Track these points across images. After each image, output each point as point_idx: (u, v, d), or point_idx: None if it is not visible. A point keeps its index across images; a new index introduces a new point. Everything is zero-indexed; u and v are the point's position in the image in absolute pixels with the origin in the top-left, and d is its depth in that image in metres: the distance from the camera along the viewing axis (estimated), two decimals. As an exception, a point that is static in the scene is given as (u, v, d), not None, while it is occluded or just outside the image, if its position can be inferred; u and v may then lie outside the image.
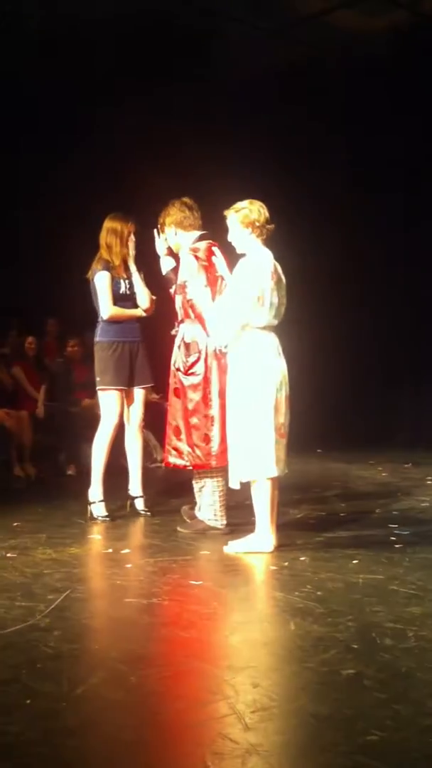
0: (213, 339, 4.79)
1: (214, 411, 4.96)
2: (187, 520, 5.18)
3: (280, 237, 4.74)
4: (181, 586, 3.87)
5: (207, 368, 5.01)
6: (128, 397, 5.65)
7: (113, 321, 5.57)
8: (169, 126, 8.98)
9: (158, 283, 5.53)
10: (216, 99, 9.01)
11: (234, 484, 4.61)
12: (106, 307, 5.54)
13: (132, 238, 5.62)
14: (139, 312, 5.65)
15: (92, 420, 7.29)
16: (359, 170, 9.79)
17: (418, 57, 8.68)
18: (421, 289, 9.60)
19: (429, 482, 7.02)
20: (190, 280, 5.01)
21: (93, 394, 7.98)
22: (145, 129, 8.94)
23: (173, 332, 5.22)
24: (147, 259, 5.61)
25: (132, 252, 5.62)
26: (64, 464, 7.84)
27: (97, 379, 5.60)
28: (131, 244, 5.62)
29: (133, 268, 5.64)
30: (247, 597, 3.76)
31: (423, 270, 9.58)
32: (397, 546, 4.58)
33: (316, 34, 8.49)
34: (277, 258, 4.63)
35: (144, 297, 5.64)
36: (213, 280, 4.99)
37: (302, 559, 4.30)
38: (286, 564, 4.19)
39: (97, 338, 5.64)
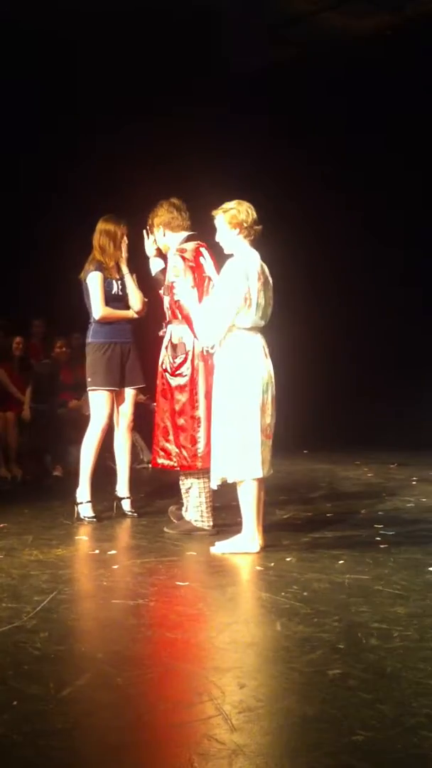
0: (200, 340, 4.79)
1: (201, 412, 4.97)
2: (174, 521, 5.19)
3: (266, 238, 4.75)
4: (168, 587, 3.88)
5: (194, 369, 5.01)
6: (119, 398, 5.65)
7: (105, 322, 5.58)
8: (162, 128, 8.99)
9: (149, 285, 5.54)
10: (210, 100, 9.02)
11: (214, 485, 4.62)
12: (98, 308, 5.54)
13: (125, 240, 5.63)
14: (130, 314, 5.66)
15: (79, 421, 7.30)
16: (342, 171, 9.81)
17: (406, 59, 8.70)
18: (406, 291, 9.63)
19: (414, 482, 7.05)
20: (177, 280, 5.02)
21: (79, 396, 8.01)
22: (139, 130, 8.94)
23: (161, 333, 5.23)
24: (138, 261, 5.62)
25: (125, 254, 5.64)
26: (50, 466, 7.83)
27: (88, 379, 5.61)
28: (124, 246, 5.63)
29: (125, 269, 5.65)
30: (234, 598, 3.77)
31: (408, 272, 9.61)
32: (382, 546, 4.61)
33: (306, 35, 8.51)
34: (264, 259, 4.64)
35: (136, 299, 5.65)
36: (200, 281, 4.99)
37: (288, 559, 4.31)
38: (273, 564, 4.20)
39: (88, 339, 5.64)
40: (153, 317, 5.54)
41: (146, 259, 5.44)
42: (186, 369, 5.02)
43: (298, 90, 9.21)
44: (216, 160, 8.99)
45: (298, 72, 9.02)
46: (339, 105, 9.41)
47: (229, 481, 4.55)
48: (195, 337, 4.87)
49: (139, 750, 2.25)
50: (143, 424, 6.47)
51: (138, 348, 5.72)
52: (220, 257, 4.83)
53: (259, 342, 4.58)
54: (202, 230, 5.07)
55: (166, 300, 5.16)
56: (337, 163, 9.75)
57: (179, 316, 5.03)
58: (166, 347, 5.15)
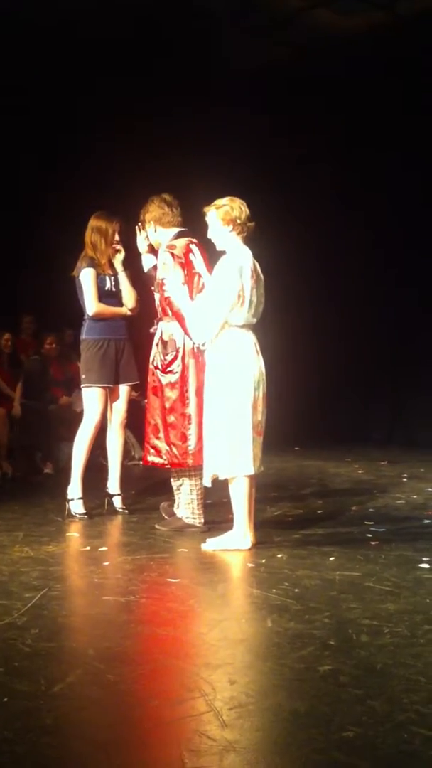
0: (192, 337, 4.78)
1: (191, 409, 4.97)
2: (166, 517, 5.18)
3: (263, 236, 4.75)
4: (159, 583, 3.87)
5: (184, 366, 5.01)
6: (113, 395, 5.65)
7: (99, 318, 5.57)
8: (156, 126, 8.98)
9: (141, 281, 5.53)
10: (205, 100, 9.00)
11: (207, 482, 4.63)
12: (92, 304, 5.53)
13: (117, 237, 5.62)
14: (124, 311, 5.65)
15: (69, 418, 7.29)
16: (341, 171, 9.80)
17: (406, 59, 8.67)
18: (403, 290, 9.63)
19: (404, 480, 7.07)
20: (167, 277, 5.01)
21: (70, 392, 7.99)
22: (139, 130, 8.94)
23: (152, 330, 5.22)
24: (131, 257, 5.61)
25: (122, 254, 5.62)
26: (40, 463, 7.81)
27: (83, 376, 5.60)
28: (119, 245, 5.62)
29: (119, 267, 5.64)
30: (225, 594, 3.77)
31: (405, 272, 9.60)
32: (372, 543, 4.62)
33: (300, 35, 8.49)
34: (260, 257, 4.63)
35: (130, 296, 5.64)
36: (190, 278, 4.97)
37: (279, 556, 4.32)
38: (264, 561, 4.20)
39: (83, 336, 5.63)
40: (145, 314, 5.53)
41: (139, 255, 5.43)
42: (177, 366, 5.02)
43: (295, 89, 9.19)
44: (215, 159, 8.97)
45: (294, 71, 8.99)
46: (338, 104, 9.39)
47: (221, 478, 4.55)
48: (186, 334, 4.86)
49: (129, 746, 2.25)
50: (134, 420, 6.47)
51: (132, 345, 5.71)
52: (212, 254, 4.82)
53: (251, 339, 4.57)
54: (199, 228, 5.04)
55: (157, 297, 5.16)
56: (337, 163, 9.73)
57: (170, 313, 5.02)
58: (157, 344, 5.14)
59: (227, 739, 2.24)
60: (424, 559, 4.21)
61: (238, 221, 4.58)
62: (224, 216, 4.58)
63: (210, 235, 4.68)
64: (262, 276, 4.64)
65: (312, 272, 9.97)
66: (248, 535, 4.50)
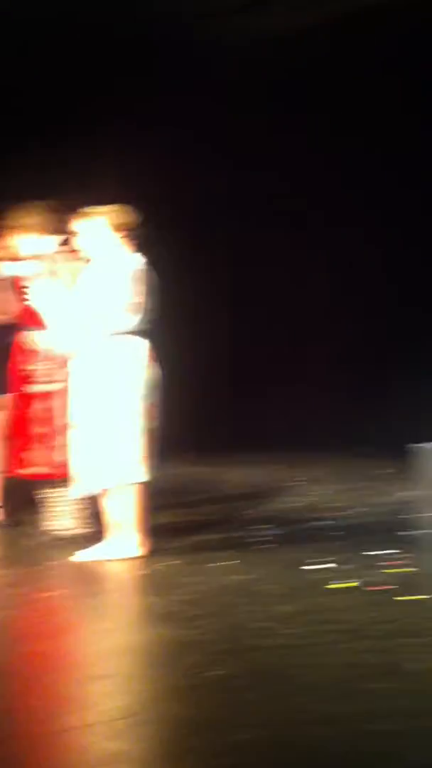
0: (68, 345, 4.66)
1: (66, 419, 4.82)
2: (42, 529, 4.99)
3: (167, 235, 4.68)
4: (35, 598, 3.68)
5: (59, 376, 4.86)
6: None
7: None
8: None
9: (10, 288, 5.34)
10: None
11: (87, 491, 4.49)
12: None
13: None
14: None
15: None
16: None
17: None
18: (308, 289, 9.69)
19: (298, 483, 7.06)
20: (42, 284, 4.88)
21: None
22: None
23: (21, 338, 5.04)
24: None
25: None
26: None
27: None
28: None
29: None
30: (112, 604, 3.67)
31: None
32: (265, 546, 4.58)
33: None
34: (151, 258, 4.55)
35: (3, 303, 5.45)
36: (68, 286, 4.82)
37: (170, 563, 4.21)
38: (155, 568, 4.10)
39: None
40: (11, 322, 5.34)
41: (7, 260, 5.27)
42: (52, 375, 4.89)
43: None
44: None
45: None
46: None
47: (109, 486, 4.42)
48: (62, 342, 4.72)
49: (13, 762, 2.07)
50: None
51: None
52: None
53: (144, 346, 4.49)
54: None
55: (29, 304, 4.99)
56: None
57: (42, 321, 4.87)
58: (30, 353, 4.98)
59: (116, 750, 2.10)
60: (315, 560, 4.17)
61: (129, 227, 4.52)
62: (114, 222, 4.51)
63: (87, 243, 4.58)
64: (155, 282, 4.56)
65: (206, 271, 9.93)
66: (138, 542, 4.37)
